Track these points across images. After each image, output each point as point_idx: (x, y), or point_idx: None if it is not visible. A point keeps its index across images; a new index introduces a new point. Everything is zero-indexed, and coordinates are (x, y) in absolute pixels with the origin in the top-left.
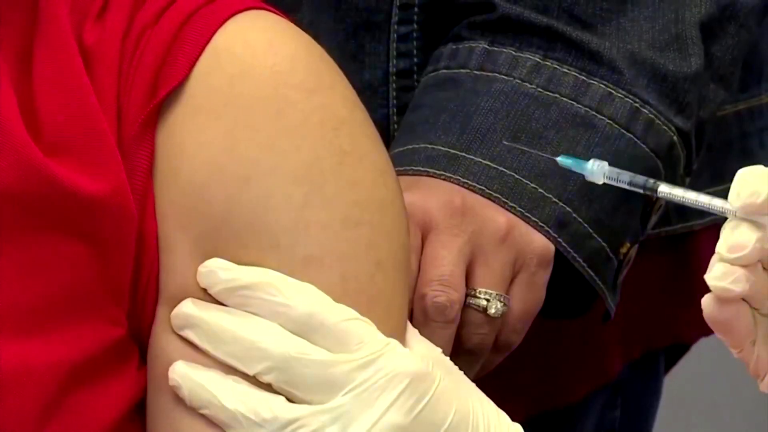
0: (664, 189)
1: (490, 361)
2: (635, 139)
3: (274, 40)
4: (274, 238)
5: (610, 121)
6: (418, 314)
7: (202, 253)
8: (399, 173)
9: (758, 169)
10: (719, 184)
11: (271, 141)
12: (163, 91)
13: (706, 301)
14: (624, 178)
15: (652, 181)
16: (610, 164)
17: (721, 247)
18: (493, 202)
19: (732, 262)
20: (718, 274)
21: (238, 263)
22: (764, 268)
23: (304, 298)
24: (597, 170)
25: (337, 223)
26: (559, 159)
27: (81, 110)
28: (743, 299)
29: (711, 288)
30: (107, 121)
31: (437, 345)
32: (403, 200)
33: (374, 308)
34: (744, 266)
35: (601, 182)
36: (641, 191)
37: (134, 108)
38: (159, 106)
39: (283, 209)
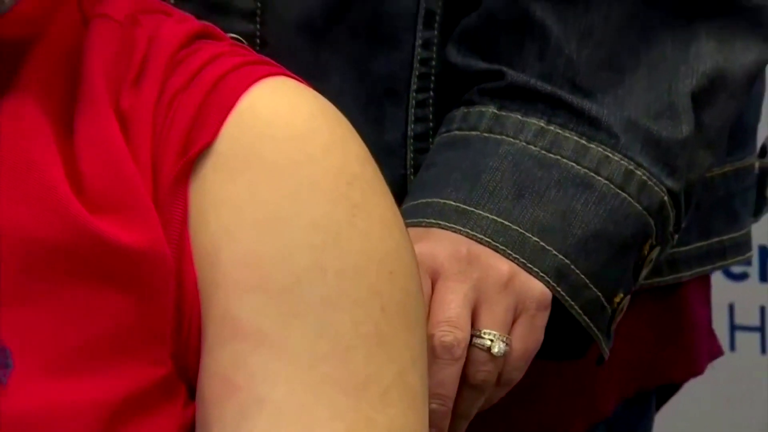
0: None
1: (493, 396)
2: (629, 199)
3: (294, 103)
4: (295, 276)
5: (607, 182)
6: (428, 352)
7: (238, 288)
8: (412, 224)
9: None
10: (705, 240)
11: (292, 192)
12: (194, 150)
13: None
14: None
15: None
16: (604, 222)
17: None
18: (499, 253)
19: None
20: None
21: (265, 296)
22: None
23: None
24: None
25: (349, 269)
26: None
27: (119, 170)
28: None
29: None
30: (143, 178)
31: (445, 381)
32: (410, 249)
33: (378, 351)
34: None
35: None
36: None
37: (168, 165)
38: (190, 163)
39: (304, 252)
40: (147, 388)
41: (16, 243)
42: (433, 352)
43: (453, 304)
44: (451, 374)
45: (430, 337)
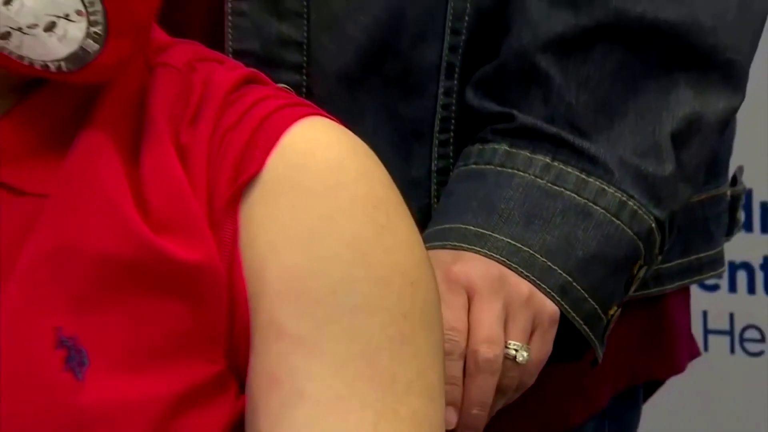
0: None
1: (510, 398)
2: (623, 226)
3: (329, 139)
4: (330, 287)
5: (604, 211)
6: (472, 366)
7: (281, 297)
8: (437, 247)
9: None
10: (686, 257)
11: (327, 214)
12: (243, 179)
13: None
14: None
15: None
16: (601, 245)
17: None
18: (512, 271)
19: None
20: None
21: (305, 304)
22: None
23: None
24: None
25: (374, 281)
26: None
27: (178, 196)
28: None
29: None
30: (199, 203)
31: (486, 390)
32: (429, 264)
33: (403, 351)
34: None
35: None
36: None
37: (221, 192)
38: (240, 190)
39: (337, 265)
40: (204, 383)
41: (91, 258)
42: (477, 366)
43: (491, 322)
44: (491, 384)
45: (473, 353)
